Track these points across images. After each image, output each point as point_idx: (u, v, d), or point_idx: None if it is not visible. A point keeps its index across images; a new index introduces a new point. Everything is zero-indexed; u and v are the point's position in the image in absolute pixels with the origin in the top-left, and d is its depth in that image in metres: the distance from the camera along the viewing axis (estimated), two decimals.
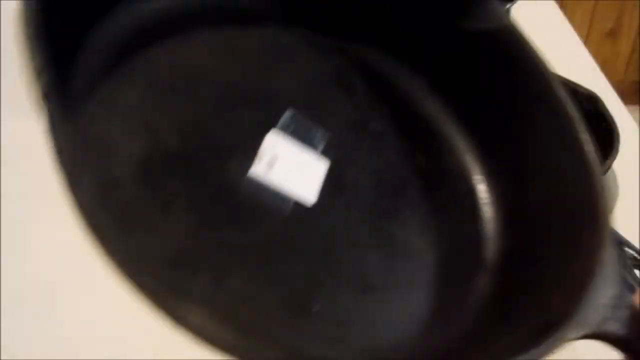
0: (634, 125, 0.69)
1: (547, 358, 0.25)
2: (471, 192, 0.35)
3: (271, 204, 0.32)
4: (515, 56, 0.34)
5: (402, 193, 0.35)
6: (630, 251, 0.48)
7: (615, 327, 0.26)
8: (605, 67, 0.84)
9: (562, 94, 0.33)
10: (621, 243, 0.49)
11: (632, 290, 0.27)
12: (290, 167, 0.33)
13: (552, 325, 0.25)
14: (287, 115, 0.34)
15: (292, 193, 0.33)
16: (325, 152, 0.34)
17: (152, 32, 0.31)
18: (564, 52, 0.84)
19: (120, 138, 0.29)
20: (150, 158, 0.30)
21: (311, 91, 0.36)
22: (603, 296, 0.26)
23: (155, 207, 0.29)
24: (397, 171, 0.35)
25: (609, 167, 0.56)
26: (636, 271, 0.47)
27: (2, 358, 0.46)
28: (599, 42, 2.00)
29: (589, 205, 0.29)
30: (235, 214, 0.31)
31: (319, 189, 0.33)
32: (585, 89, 0.64)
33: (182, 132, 0.31)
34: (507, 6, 0.75)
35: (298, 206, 0.33)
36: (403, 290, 0.31)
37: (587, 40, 1.96)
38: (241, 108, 0.34)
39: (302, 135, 0.34)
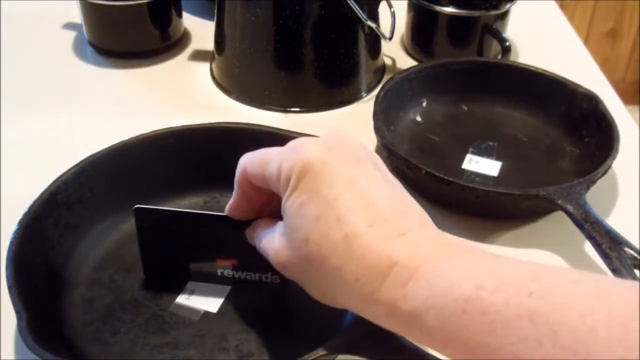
0: (634, 125, 0.69)
1: None
2: None
3: (186, 316, 0.48)
4: None
5: (285, 291, 0.49)
6: (630, 251, 0.48)
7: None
8: (605, 67, 0.84)
9: None
10: (621, 243, 0.49)
11: None
12: (203, 293, 0.49)
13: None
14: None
15: (201, 307, 0.48)
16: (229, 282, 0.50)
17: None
18: (564, 52, 0.84)
19: (95, 296, 0.49)
20: (110, 306, 0.48)
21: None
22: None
23: (109, 332, 0.47)
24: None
25: (609, 167, 0.56)
26: (636, 271, 0.47)
27: (2, 358, 0.46)
28: (599, 42, 2.00)
29: None
30: (160, 327, 0.47)
31: (221, 302, 0.49)
32: (585, 89, 0.65)
33: (133, 289, 0.50)
34: (508, 6, 0.75)
35: (205, 314, 0.48)
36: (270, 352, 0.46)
37: (587, 40, 1.97)
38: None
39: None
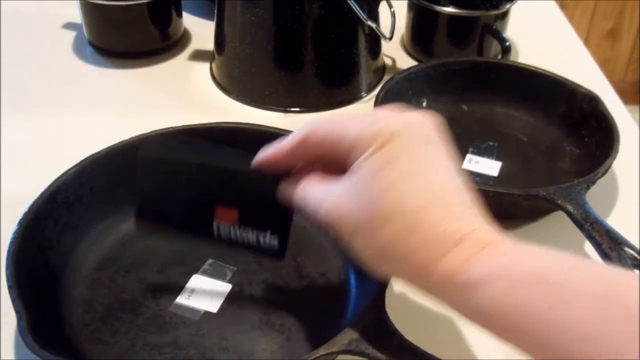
0: (634, 125, 0.69)
1: None
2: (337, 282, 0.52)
3: (186, 316, 0.48)
4: None
5: (285, 292, 0.51)
6: (630, 251, 0.48)
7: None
8: (605, 67, 0.85)
9: None
10: (621, 243, 0.49)
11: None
12: (203, 293, 0.50)
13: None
14: (207, 262, 0.52)
15: (201, 307, 0.49)
16: (231, 280, 0.51)
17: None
18: (564, 52, 0.84)
19: (95, 296, 0.49)
20: (110, 306, 0.49)
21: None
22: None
23: (109, 331, 0.47)
24: (283, 279, 0.51)
25: (609, 167, 0.56)
26: (636, 271, 0.47)
27: (2, 358, 0.46)
28: (599, 42, 2.00)
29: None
30: (160, 327, 0.47)
31: (221, 302, 0.49)
32: (585, 89, 0.65)
33: (133, 289, 0.50)
34: (508, 6, 0.75)
35: (205, 314, 0.48)
36: (270, 352, 0.46)
37: (587, 40, 1.97)
38: (177, 266, 0.52)
39: (216, 273, 0.51)
